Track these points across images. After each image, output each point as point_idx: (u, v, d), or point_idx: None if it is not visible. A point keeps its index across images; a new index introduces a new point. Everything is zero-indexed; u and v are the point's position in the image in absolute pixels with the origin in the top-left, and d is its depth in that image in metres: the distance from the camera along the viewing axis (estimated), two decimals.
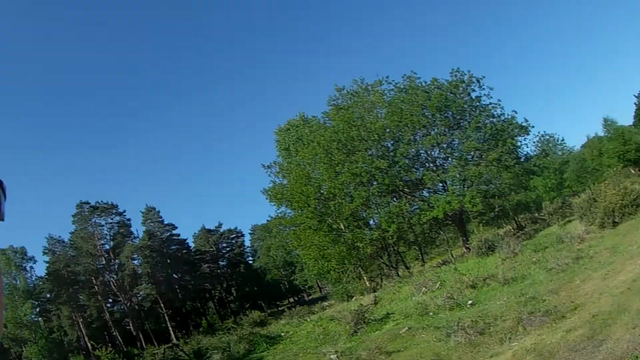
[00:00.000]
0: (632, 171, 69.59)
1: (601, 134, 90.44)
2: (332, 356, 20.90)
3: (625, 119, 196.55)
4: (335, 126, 45.53)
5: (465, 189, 43.79)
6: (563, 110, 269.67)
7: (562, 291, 20.31)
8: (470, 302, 24.58)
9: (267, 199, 50.63)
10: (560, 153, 78.11)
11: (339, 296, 52.32)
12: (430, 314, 24.89)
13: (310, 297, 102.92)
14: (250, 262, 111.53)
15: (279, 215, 51.34)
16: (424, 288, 30.20)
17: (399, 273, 48.27)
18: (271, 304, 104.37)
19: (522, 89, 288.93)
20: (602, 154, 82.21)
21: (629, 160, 76.15)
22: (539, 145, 74.69)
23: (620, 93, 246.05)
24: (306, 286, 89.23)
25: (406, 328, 22.68)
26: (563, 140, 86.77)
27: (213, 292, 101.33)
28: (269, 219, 56.51)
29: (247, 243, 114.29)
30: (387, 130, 44.58)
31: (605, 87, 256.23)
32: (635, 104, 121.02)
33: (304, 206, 45.07)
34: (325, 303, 56.40)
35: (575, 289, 19.77)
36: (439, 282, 30.60)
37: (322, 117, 50.75)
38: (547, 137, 76.65)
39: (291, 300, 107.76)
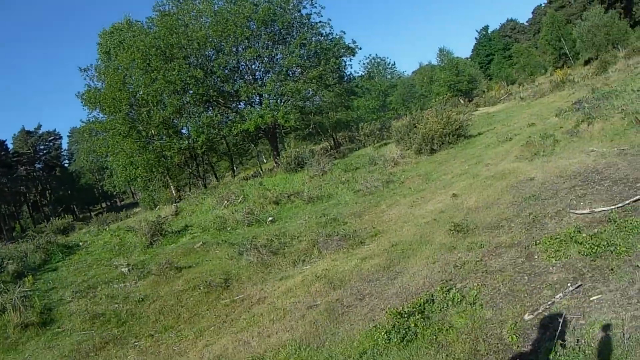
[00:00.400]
0: (462, 101, 71.38)
1: (435, 63, 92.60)
2: (123, 269, 19.02)
3: (465, 53, 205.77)
4: (157, 32, 42.59)
5: (281, 104, 42.63)
6: (403, 40, 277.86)
7: (366, 215, 19.25)
8: (270, 218, 23.21)
9: (81, 103, 46.90)
10: (389, 76, 78.50)
11: (146, 204, 51.22)
12: (229, 229, 23.36)
13: (122, 203, 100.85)
14: (67, 165, 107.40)
15: (90, 119, 47.86)
16: (225, 201, 28.51)
17: (206, 184, 47.08)
18: (84, 208, 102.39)
19: (363, 14, 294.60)
20: (433, 81, 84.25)
21: (459, 90, 78.54)
22: (368, 67, 74.98)
23: (461, 27, 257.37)
24: (116, 192, 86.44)
25: (201, 243, 20.95)
26: (394, 64, 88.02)
27: (28, 195, 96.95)
28: (81, 123, 53.06)
29: (65, 146, 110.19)
30: (210, 39, 42.25)
31: (449, 22, 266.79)
32: (475, 38, 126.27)
33: (115, 111, 42.63)
34: (135, 210, 54.79)
35: (379, 214, 18.69)
36: (242, 196, 29.10)
37: (147, 23, 47.43)
38: (378, 60, 76.94)
39: (104, 205, 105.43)
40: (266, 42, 43.53)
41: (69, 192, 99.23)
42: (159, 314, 14.50)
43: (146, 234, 23.66)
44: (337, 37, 46.54)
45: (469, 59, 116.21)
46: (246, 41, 42.43)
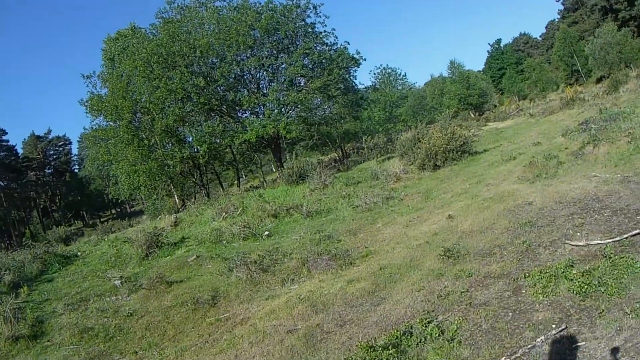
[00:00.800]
0: (472, 115, 70.91)
1: (446, 75, 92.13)
2: (116, 282, 19.02)
3: (478, 66, 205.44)
4: (159, 39, 42.47)
5: (284, 114, 42.47)
6: (417, 52, 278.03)
7: (361, 233, 18.89)
8: (266, 233, 22.79)
9: (85, 110, 46.58)
10: (400, 87, 78.05)
11: (150, 212, 51.46)
12: (224, 242, 23.04)
13: (132, 209, 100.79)
14: (77, 171, 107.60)
15: (93, 127, 47.59)
16: (224, 213, 28.09)
17: (209, 193, 46.72)
18: (94, 214, 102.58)
19: (376, 25, 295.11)
20: (444, 94, 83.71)
21: (470, 104, 78.24)
22: (379, 77, 74.60)
23: (474, 40, 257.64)
24: (123, 199, 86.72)
25: (194, 256, 20.64)
26: (405, 75, 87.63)
27: (38, 200, 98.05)
28: (84, 130, 52.79)
29: (75, 151, 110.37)
30: (212, 47, 42.10)
31: (462, 34, 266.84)
32: (488, 51, 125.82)
33: (118, 119, 42.56)
34: (141, 218, 54.74)
35: (374, 233, 18.33)
36: (242, 208, 28.62)
37: (150, 30, 47.35)
38: (389, 70, 76.52)
39: (113, 211, 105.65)
40: (269, 51, 43.46)
41: (79, 197, 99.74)
42: (146, 329, 14.39)
43: (142, 246, 23.43)
44: (342, 47, 46.39)
45: (481, 72, 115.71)
46: (249, 50, 42.33)
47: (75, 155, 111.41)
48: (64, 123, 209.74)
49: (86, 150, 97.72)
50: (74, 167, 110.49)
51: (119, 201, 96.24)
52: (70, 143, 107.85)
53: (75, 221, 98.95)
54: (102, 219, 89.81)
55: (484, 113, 73.54)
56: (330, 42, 46.00)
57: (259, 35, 42.21)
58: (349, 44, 45.83)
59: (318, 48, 44.29)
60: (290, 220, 24.69)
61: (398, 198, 23.18)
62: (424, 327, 8.97)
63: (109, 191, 68.55)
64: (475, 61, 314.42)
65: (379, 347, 8.63)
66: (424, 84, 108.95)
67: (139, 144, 41.78)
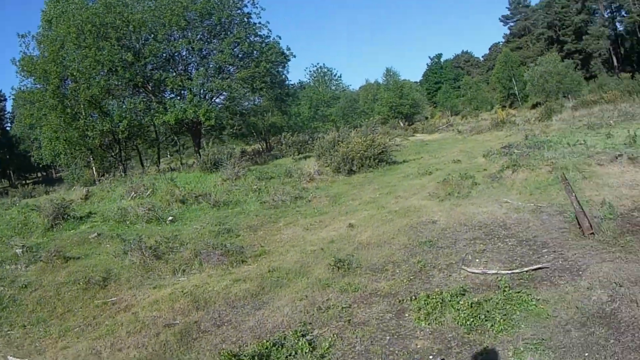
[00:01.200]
0: (401, 124, 71.48)
1: (381, 82, 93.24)
2: (18, 250, 18.27)
3: (416, 77, 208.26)
4: (95, 8, 41.57)
5: (207, 100, 42.33)
6: (359, 57, 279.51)
7: (261, 230, 18.70)
8: (170, 218, 22.27)
9: (17, 70, 45.14)
10: (334, 88, 78.35)
11: (69, 182, 50.66)
12: (128, 222, 22.41)
13: (58, 175, 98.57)
14: (8, 128, 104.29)
15: (21, 87, 46.21)
16: (133, 193, 27.39)
17: (126, 170, 45.95)
18: (21, 175, 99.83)
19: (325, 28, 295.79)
20: (376, 100, 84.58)
21: (400, 112, 79.07)
22: (314, 75, 74.85)
23: (416, 52, 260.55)
24: (51, 164, 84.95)
25: (96, 234, 20.06)
26: (340, 76, 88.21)
27: None
28: (12, 91, 51.56)
29: (10, 109, 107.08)
30: (146, 24, 41.70)
31: (406, 45, 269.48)
32: (427, 64, 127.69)
33: (46, 82, 41.34)
34: (61, 186, 53.76)
35: (274, 232, 18.20)
36: (152, 190, 27.99)
37: None
38: (325, 69, 76.84)
39: (39, 175, 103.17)
40: (202, 35, 43.39)
41: (8, 156, 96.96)
42: (37, 304, 13.96)
43: (49, 216, 22.69)
44: (273, 41, 46.55)
45: (418, 84, 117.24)
46: (182, 31, 42.17)
47: (8, 112, 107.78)
48: (3, 78, 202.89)
49: (20, 108, 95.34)
50: (6, 124, 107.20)
51: (45, 165, 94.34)
52: (6, 100, 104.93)
53: (2, 180, 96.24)
54: (27, 181, 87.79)
55: (413, 123, 74.63)
56: (263, 35, 46.14)
57: (193, 17, 41.91)
58: (280, 38, 46.26)
59: (250, 38, 44.20)
60: (197, 208, 24.31)
61: (306, 199, 23.14)
62: (296, 340, 8.73)
63: (33, 154, 67.06)
64: (414, 72, 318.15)
65: (246, 356, 8.34)
66: (359, 88, 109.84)
67: (63, 111, 40.94)
